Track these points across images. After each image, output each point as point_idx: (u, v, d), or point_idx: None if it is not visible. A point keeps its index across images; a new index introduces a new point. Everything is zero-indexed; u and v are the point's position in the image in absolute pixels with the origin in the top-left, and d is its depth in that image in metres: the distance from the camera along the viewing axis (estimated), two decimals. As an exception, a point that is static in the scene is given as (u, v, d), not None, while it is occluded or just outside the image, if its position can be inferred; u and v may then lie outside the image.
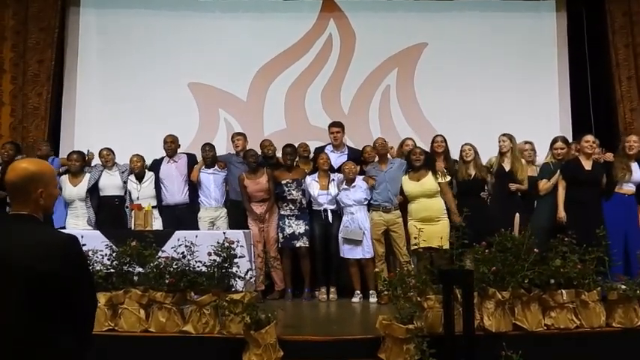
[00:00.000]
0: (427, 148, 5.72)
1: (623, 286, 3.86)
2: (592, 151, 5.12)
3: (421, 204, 5.22)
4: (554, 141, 5.41)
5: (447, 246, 4.44)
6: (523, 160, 5.46)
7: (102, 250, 3.89)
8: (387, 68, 7.29)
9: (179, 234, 4.44)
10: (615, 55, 7.06)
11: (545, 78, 7.26)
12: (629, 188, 5.06)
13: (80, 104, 7.10)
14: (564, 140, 5.45)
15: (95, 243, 3.93)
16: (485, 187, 5.42)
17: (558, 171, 5.16)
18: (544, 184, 5.22)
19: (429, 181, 5.24)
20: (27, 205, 1.82)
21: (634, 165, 5.09)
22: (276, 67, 7.25)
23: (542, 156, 5.73)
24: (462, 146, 5.47)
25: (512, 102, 7.08)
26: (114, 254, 3.94)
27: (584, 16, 7.41)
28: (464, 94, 7.10)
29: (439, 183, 5.25)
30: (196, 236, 4.03)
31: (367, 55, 7.29)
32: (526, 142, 5.70)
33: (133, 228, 5.17)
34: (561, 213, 4.97)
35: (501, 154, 5.46)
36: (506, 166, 5.38)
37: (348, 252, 5.34)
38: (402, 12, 7.34)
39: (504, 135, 5.48)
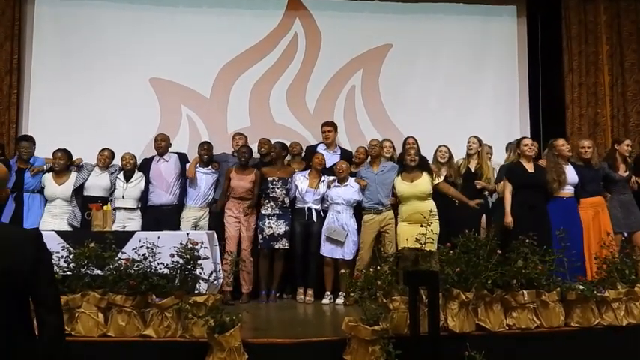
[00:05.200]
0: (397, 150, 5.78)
1: (581, 287, 3.97)
2: (532, 154, 5.17)
3: (413, 205, 5.15)
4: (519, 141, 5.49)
5: (434, 248, 4.38)
6: (489, 162, 5.56)
7: (58, 252, 3.72)
8: (353, 69, 7.30)
9: (140, 235, 4.32)
10: (569, 61, 7.29)
11: (505, 81, 7.42)
12: (566, 191, 5.13)
13: (34, 99, 6.81)
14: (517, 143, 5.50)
15: (51, 244, 3.75)
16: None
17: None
18: (500, 187, 5.29)
19: (422, 183, 5.18)
20: None
21: (568, 168, 5.18)
22: (241, 65, 7.15)
23: (498, 157, 5.87)
24: (439, 147, 5.51)
25: (474, 104, 7.21)
26: (71, 256, 3.78)
27: (540, 22, 7.61)
28: (428, 95, 7.20)
29: (437, 184, 5.22)
30: (158, 237, 3.91)
31: (333, 55, 7.28)
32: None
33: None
34: (508, 218, 4.95)
35: (468, 155, 5.54)
36: (472, 167, 5.46)
37: (328, 251, 5.31)
38: (368, 13, 7.37)
39: (473, 137, 5.56)
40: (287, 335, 3.84)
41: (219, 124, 6.86)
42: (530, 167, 5.12)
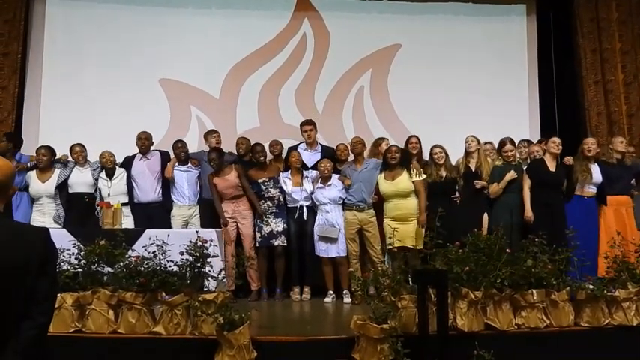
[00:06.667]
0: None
1: (591, 286, 3.94)
2: (557, 151, 5.22)
3: (395, 204, 5.23)
4: (503, 144, 5.48)
5: (421, 246, 4.45)
6: (489, 160, 5.55)
7: (69, 249, 3.76)
8: (361, 69, 7.31)
9: (150, 232, 4.36)
10: (584, 59, 7.24)
11: (515, 80, 7.41)
12: (589, 190, 5.18)
13: (45, 99, 6.87)
14: (512, 142, 5.52)
15: (62, 241, 3.79)
16: (457, 189, 5.48)
17: (508, 174, 5.23)
18: (494, 188, 5.28)
19: (403, 181, 5.24)
20: (2, 202, 1.83)
21: (594, 167, 5.21)
22: (250, 65, 7.18)
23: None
24: (433, 148, 5.50)
25: (484, 104, 7.17)
26: (81, 253, 3.82)
27: (552, 20, 7.58)
28: (437, 95, 7.18)
29: (414, 181, 5.24)
30: (168, 235, 3.94)
31: (341, 55, 7.29)
32: (486, 143, 5.79)
33: (101, 226, 5.02)
34: (529, 212, 5.04)
35: (467, 154, 5.54)
36: (472, 166, 5.45)
37: (322, 250, 5.33)
38: (377, 13, 7.38)
39: (471, 136, 5.56)
40: (295, 333, 3.84)
41: (229, 125, 6.88)
42: (552, 166, 5.15)
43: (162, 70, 7.03)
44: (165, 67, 7.04)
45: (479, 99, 7.19)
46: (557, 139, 5.31)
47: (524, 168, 5.39)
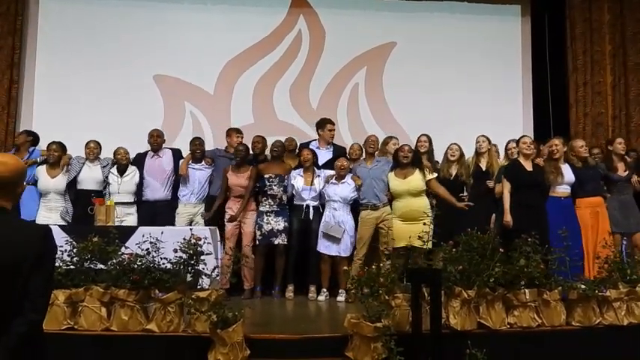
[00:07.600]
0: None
1: (583, 286, 3.97)
2: (531, 152, 5.14)
3: (406, 202, 5.15)
4: (507, 144, 5.46)
5: (429, 246, 4.38)
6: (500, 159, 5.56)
7: (62, 246, 3.73)
8: (356, 66, 7.32)
9: (143, 230, 4.32)
10: (573, 60, 7.29)
11: (509, 80, 7.46)
12: (563, 190, 5.12)
13: (38, 94, 6.84)
14: (516, 142, 5.48)
15: (55, 238, 3.76)
16: (465, 188, 5.46)
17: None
18: (499, 188, 5.24)
19: (415, 179, 5.17)
20: (9, 199, 1.83)
21: (564, 167, 5.17)
22: (245, 61, 7.17)
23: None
24: (450, 145, 5.52)
25: (478, 103, 7.21)
26: (74, 250, 3.79)
27: (546, 21, 7.62)
28: (431, 94, 7.20)
29: (428, 180, 5.18)
30: (162, 232, 3.92)
31: (336, 52, 7.31)
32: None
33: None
34: (507, 217, 4.90)
35: (478, 154, 5.53)
36: (483, 166, 5.44)
37: (324, 248, 5.30)
38: (372, 11, 7.39)
39: (482, 136, 5.56)
40: (289, 331, 3.84)
41: (223, 121, 6.86)
42: (528, 166, 5.08)
43: (157, 66, 7.00)
44: (160, 63, 7.01)
45: (473, 98, 7.23)
46: (527, 139, 5.20)
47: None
